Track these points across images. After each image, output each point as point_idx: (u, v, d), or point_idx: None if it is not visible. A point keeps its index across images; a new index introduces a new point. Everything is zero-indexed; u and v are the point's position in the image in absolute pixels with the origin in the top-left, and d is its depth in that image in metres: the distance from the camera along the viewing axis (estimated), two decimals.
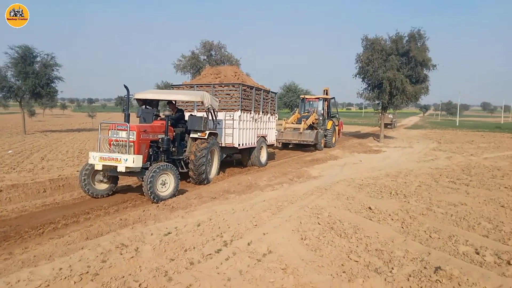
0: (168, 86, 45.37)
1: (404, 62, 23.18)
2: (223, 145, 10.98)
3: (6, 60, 24.27)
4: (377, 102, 25.54)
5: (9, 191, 7.77)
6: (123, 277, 3.86)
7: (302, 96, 23.35)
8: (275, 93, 14.76)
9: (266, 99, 13.29)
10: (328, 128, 20.81)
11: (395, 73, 22.42)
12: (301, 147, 19.71)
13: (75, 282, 3.77)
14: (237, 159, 13.24)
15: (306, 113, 20.81)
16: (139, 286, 3.65)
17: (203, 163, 9.15)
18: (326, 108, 21.91)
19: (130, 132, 7.43)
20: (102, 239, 5.14)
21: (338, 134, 23.14)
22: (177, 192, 7.89)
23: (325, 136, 20.42)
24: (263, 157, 13.18)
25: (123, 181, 9.33)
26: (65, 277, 3.83)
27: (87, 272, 3.97)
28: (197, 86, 11.60)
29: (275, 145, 15.30)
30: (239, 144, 11.23)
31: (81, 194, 8.17)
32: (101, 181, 8.02)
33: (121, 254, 4.49)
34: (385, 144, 23.46)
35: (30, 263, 4.36)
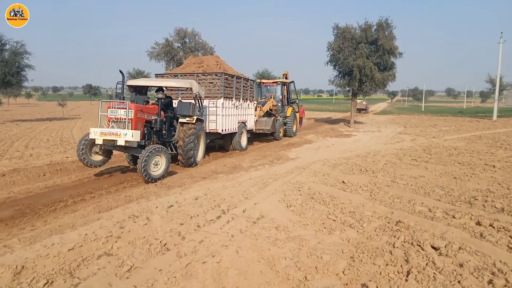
0: (140, 74, 45.06)
1: (372, 50, 24.29)
2: (207, 130, 11.69)
3: None
4: (347, 88, 26.76)
5: (11, 175, 8.29)
6: (144, 237, 4.64)
7: (258, 80, 20.29)
8: (254, 81, 15.54)
9: (246, 87, 14.05)
10: (288, 115, 19.04)
11: (364, 60, 23.56)
12: (258, 136, 17.77)
13: (103, 243, 4.51)
14: (219, 144, 13.98)
15: (263, 99, 18.39)
16: (160, 242, 4.43)
17: (191, 148, 9.87)
18: (286, 93, 19.94)
19: (129, 110, 8.12)
20: (113, 212, 5.85)
21: (300, 122, 21.67)
22: (167, 173, 8.57)
23: (285, 124, 18.74)
24: (244, 141, 13.98)
25: (115, 165, 9.93)
26: (94, 239, 4.56)
27: (111, 235, 4.71)
28: (181, 75, 12.22)
29: (254, 130, 15.81)
30: (222, 130, 11.99)
31: (78, 177, 8.77)
32: (97, 153, 8.80)
33: (135, 222, 5.24)
34: (355, 129, 24.75)
35: (57, 231, 5.04)
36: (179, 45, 34.18)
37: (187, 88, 10.59)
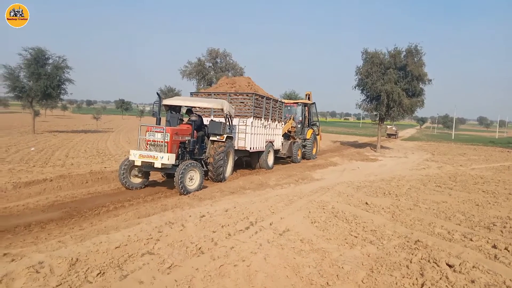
0: (171, 91, 46.69)
1: (401, 76, 24.47)
2: (236, 148, 12.24)
3: (19, 61, 25.11)
4: (375, 113, 26.94)
5: (58, 181, 9.06)
6: (181, 241, 5.13)
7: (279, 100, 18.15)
8: (282, 102, 16.09)
9: (275, 108, 14.62)
10: (308, 137, 18.41)
11: (392, 86, 23.77)
12: (276, 159, 15.88)
13: (145, 244, 5.02)
14: (246, 161, 14.47)
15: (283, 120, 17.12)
16: (195, 246, 4.91)
17: (221, 166, 10.44)
18: (307, 114, 19.38)
19: (166, 134, 8.76)
20: (151, 218, 6.38)
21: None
22: (201, 187, 9.15)
23: (304, 146, 18.22)
24: (270, 160, 14.45)
25: (150, 177, 10.57)
26: (136, 240, 5.08)
27: (151, 238, 5.22)
28: (214, 94, 12.93)
29: (280, 151, 15.95)
30: (250, 148, 12.52)
31: (117, 186, 9.46)
32: (136, 176, 9.35)
33: (171, 228, 5.75)
34: (381, 154, 24.78)
35: (103, 232, 5.59)
36: (211, 64, 35.51)
37: (219, 108, 11.23)
